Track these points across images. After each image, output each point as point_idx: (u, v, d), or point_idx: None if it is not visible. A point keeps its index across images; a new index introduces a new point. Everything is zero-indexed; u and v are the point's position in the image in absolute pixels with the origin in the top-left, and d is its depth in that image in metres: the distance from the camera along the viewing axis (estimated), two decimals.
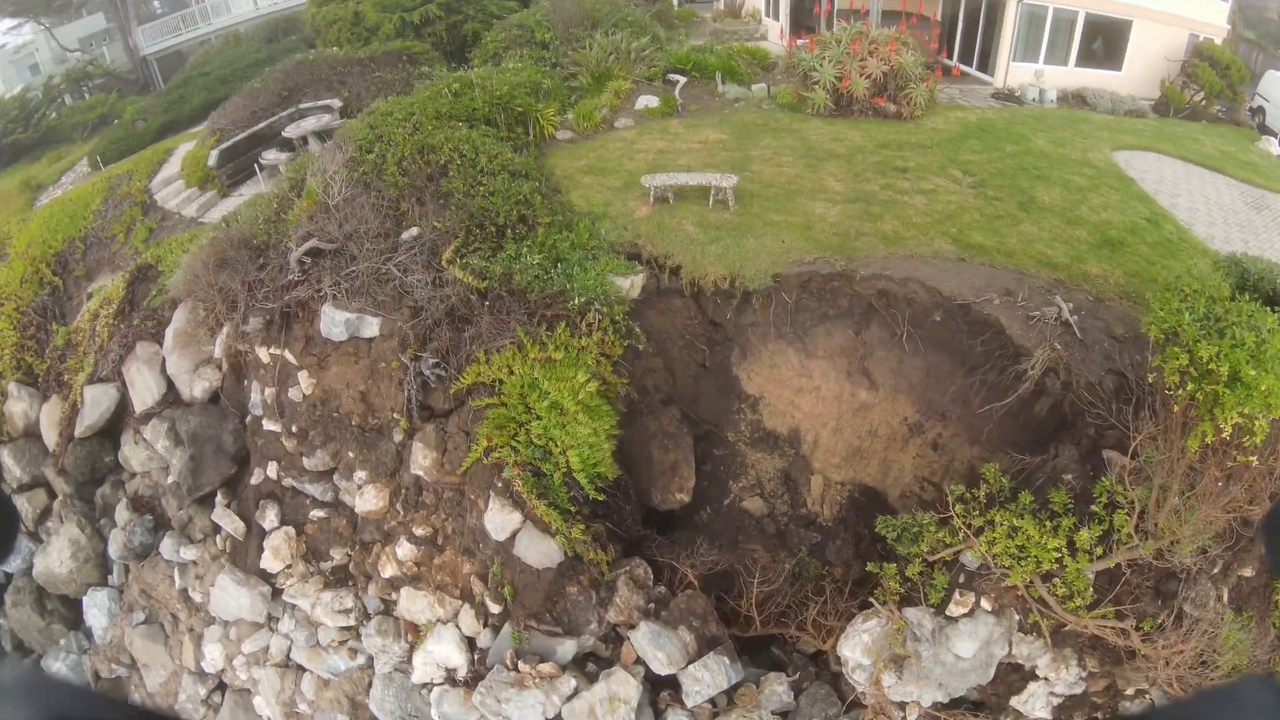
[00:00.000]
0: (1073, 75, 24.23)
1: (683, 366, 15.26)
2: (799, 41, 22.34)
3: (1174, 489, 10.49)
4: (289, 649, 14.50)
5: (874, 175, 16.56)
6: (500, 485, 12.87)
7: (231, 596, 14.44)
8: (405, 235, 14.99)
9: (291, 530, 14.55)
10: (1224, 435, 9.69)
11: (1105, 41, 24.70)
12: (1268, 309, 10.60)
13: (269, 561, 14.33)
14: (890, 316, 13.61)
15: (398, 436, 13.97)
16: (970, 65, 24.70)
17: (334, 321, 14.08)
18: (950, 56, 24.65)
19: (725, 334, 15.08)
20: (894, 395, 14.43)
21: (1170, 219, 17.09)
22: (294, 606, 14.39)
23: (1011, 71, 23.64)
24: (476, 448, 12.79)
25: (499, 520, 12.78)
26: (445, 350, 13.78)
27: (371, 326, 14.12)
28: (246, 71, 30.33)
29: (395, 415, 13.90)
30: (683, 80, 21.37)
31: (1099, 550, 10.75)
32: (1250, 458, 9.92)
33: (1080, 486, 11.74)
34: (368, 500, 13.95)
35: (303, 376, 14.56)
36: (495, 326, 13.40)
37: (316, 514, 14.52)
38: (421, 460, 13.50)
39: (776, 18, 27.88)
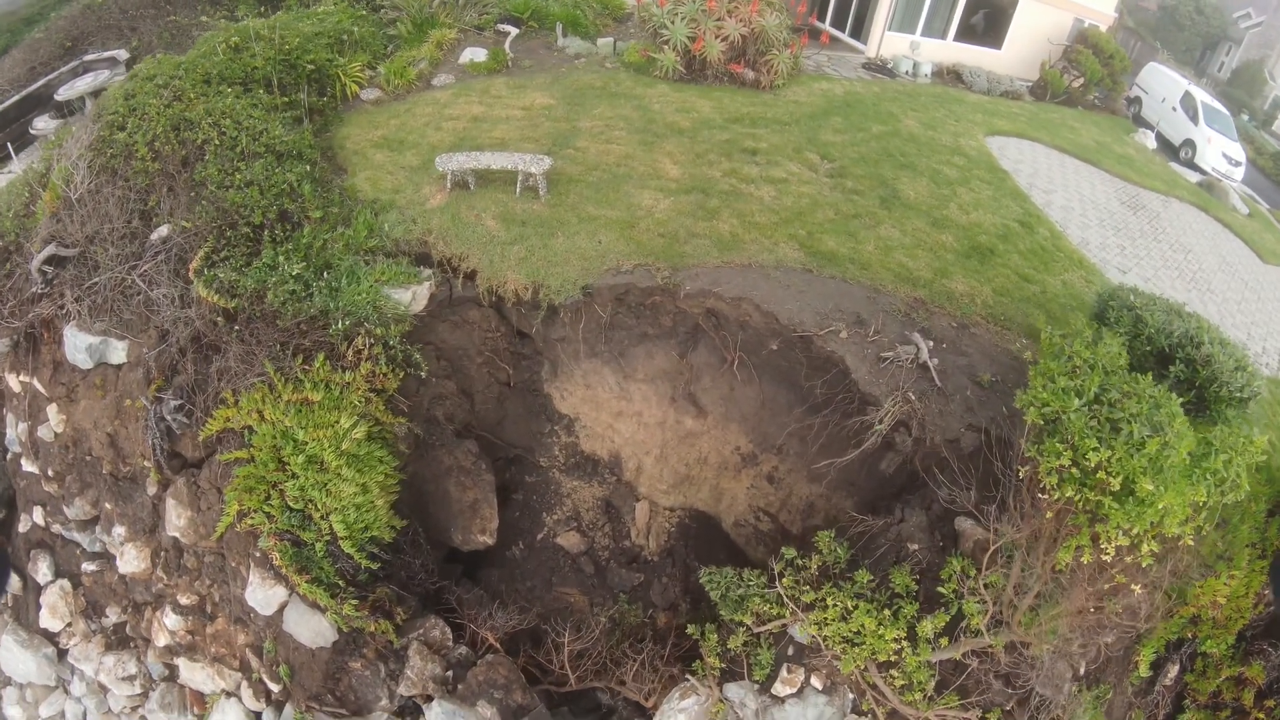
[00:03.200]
0: (950, 50, 21.78)
1: (483, 387, 12.14)
2: None
3: (1034, 589, 8.14)
4: (84, 714, 12.51)
5: (719, 158, 13.56)
6: (260, 555, 10.02)
7: (17, 658, 12.32)
8: (154, 236, 11.42)
9: (67, 584, 12.06)
10: (1105, 557, 7.42)
11: (987, 17, 22.33)
12: (1164, 386, 8.29)
13: (48, 619, 12.09)
14: (720, 339, 10.79)
15: (151, 489, 10.94)
16: (842, 31, 21.91)
17: (77, 346, 10.96)
18: (821, 20, 21.70)
19: (534, 346, 12.00)
20: (724, 424, 11.76)
21: (1044, 221, 14.83)
22: (80, 670, 12.18)
23: (886, 41, 20.98)
24: (228, 511, 9.76)
25: (262, 595, 10.16)
26: (192, 386, 10.46)
27: (118, 351, 11.00)
28: (34, 18, 24.51)
29: (145, 463, 10.72)
30: (514, 31, 17.73)
31: (944, 641, 8.67)
32: (1134, 585, 7.59)
33: (927, 560, 9.53)
34: (129, 560, 11.25)
35: (52, 411, 11.54)
36: (244, 358, 10.10)
37: (89, 566, 11.89)
38: (176, 520, 10.59)
39: None
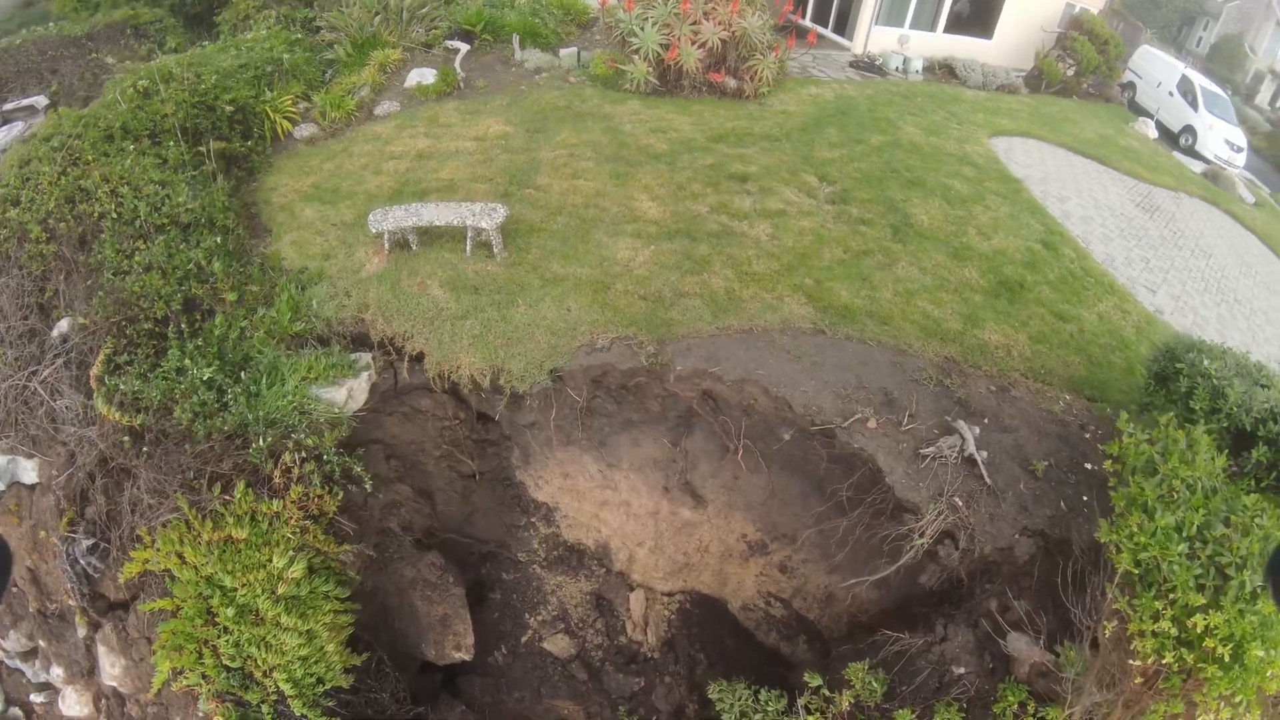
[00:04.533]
0: (940, 42, 19.87)
1: (444, 484, 10.17)
2: None
3: None
4: None
5: (704, 188, 11.56)
6: (203, 715, 8.05)
7: None
8: (54, 334, 9.42)
9: (19, 713, 10.38)
10: None
11: (976, 6, 20.37)
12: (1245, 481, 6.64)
13: None
14: (720, 426, 8.85)
15: (81, 630, 8.97)
16: (826, 27, 19.89)
17: None
18: (804, 17, 19.64)
19: (500, 430, 10.01)
20: (727, 512, 9.89)
21: (1068, 238, 13.02)
22: None
23: (873, 36, 19.03)
24: (159, 670, 7.75)
25: None
26: (105, 519, 8.55)
27: (29, 471, 9.09)
28: None
29: (70, 602, 8.80)
30: (465, 48, 15.55)
31: None
32: None
33: (975, 687, 7.69)
34: (71, 705, 9.52)
35: None
36: (156, 488, 8.08)
37: (37, 698, 10.13)
38: (110, 669, 8.76)
39: None
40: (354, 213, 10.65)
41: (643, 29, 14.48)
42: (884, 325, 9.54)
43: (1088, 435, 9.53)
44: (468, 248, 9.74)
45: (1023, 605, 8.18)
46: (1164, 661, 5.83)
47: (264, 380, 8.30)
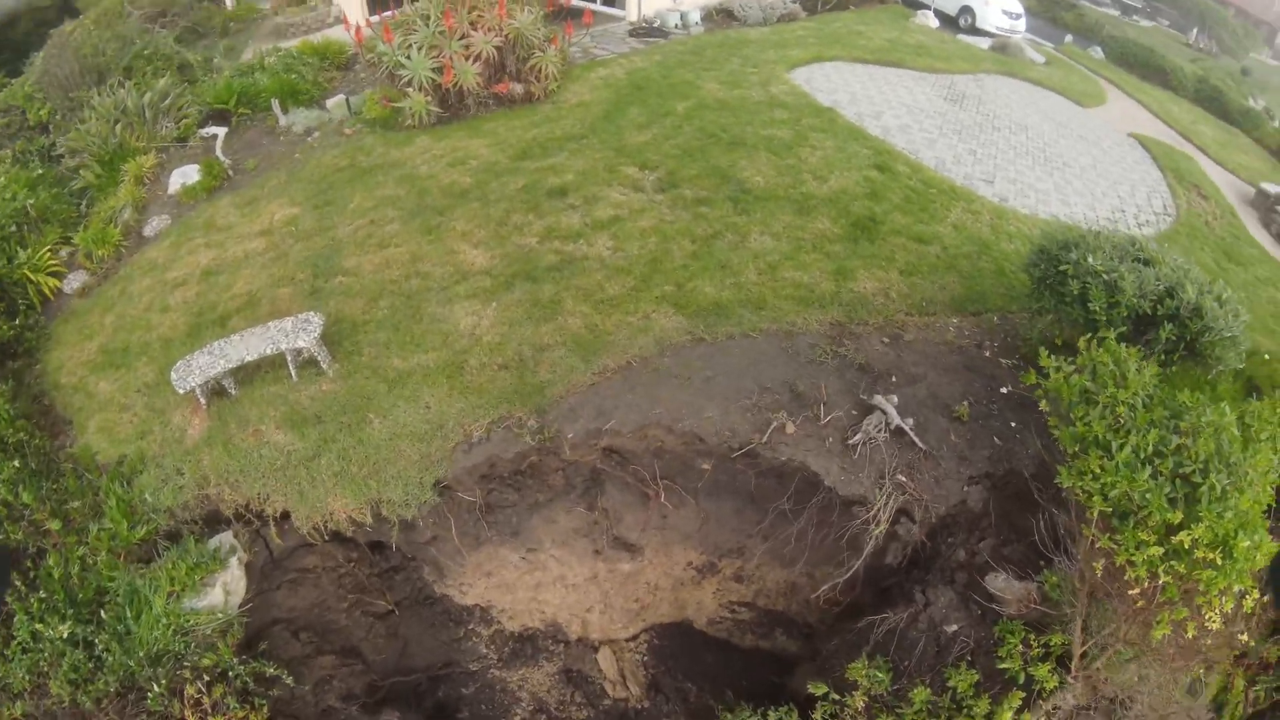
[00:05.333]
0: None
1: (365, 632, 8.85)
2: (374, 21, 15.20)
3: (1115, 646, 6.18)
4: None
5: (526, 216, 10.43)
6: None
7: None
8: None
9: None
10: (1212, 625, 5.87)
11: None
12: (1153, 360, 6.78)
13: None
14: (633, 475, 7.91)
15: None
16: (597, 1, 18.89)
17: None
18: None
19: (401, 554, 8.70)
20: (666, 550, 9.07)
21: (896, 154, 12.77)
22: None
23: (645, 1, 18.19)
24: None
25: None
26: None
27: None
28: None
29: None
30: (222, 132, 13.64)
31: (1025, 717, 6.66)
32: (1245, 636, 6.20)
33: (975, 638, 7.30)
34: None
35: None
36: None
37: None
38: None
39: None
40: (154, 370, 8.93)
41: (409, 57, 13.06)
42: (760, 311, 8.81)
43: (988, 354, 9.18)
44: (292, 372, 8.28)
45: (988, 545, 7.77)
46: (1160, 581, 5.70)
47: (128, 613, 6.78)
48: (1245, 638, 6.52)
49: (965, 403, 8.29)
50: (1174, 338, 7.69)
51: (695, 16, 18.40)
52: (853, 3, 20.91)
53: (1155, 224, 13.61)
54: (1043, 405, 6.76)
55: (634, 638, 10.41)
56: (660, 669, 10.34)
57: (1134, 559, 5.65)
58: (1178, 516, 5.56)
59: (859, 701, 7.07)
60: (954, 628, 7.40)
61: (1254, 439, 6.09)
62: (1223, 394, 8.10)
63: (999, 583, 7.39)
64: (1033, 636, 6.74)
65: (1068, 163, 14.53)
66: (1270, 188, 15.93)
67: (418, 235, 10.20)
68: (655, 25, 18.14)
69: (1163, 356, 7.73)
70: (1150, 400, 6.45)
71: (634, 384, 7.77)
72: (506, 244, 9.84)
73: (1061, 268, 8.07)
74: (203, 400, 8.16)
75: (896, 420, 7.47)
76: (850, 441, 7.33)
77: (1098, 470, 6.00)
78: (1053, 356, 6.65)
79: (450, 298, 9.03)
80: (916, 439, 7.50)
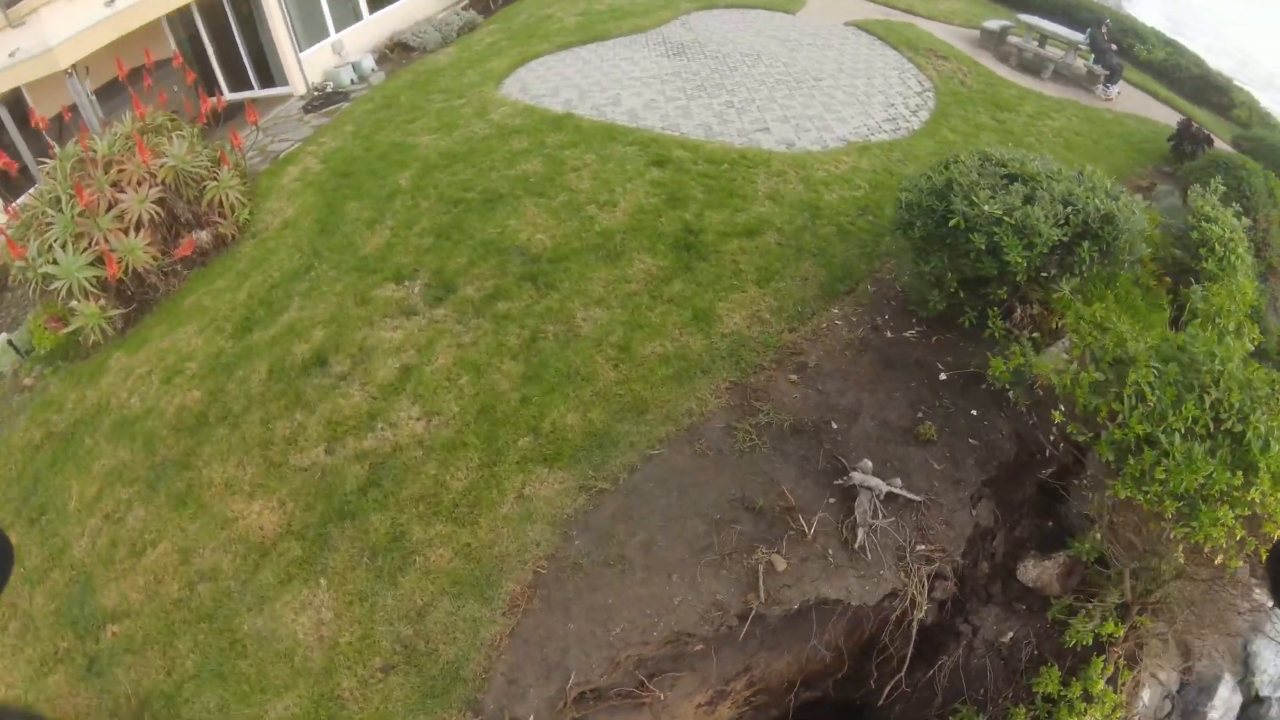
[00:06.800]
0: (375, 27, 16.42)
1: None
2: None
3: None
4: None
5: (292, 417, 7.54)
6: None
7: None
8: None
9: None
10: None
11: None
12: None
13: None
14: (621, 700, 5.66)
15: None
16: (254, 88, 15.42)
17: None
18: (224, 96, 14.79)
19: None
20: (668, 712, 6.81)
21: (663, 139, 11.13)
22: None
23: (308, 65, 15.09)
24: None
25: None
26: None
27: None
28: None
29: None
30: None
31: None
32: None
33: (1034, 630, 6.61)
34: None
35: None
36: None
37: None
38: None
39: None
40: None
41: (55, 261, 9.48)
42: (643, 416, 6.71)
43: (889, 334, 7.71)
44: None
45: (1001, 543, 6.53)
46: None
47: None
48: None
49: (919, 415, 6.73)
50: (1095, 255, 6.57)
51: (369, 63, 15.52)
52: None
53: (924, 103, 12.85)
54: (1015, 399, 5.60)
55: None
56: None
57: (1214, 533, 4.83)
58: (1239, 478, 4.78)
59: None
60: (1009, 635, 6.25)
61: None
62: (1122, 290, 7.21)
63: (1031, 571, 6.49)
64: (1081, 604, 5.97)
65: (818, 77, 13.43)
66: (991, 24, 15.82)
67: (172, 514, 7.06)
68: (330, 90, 15.10)
69: (1080, 278, 6.62)
70: (1163, 360, 5.18)
71: (564, 606, 5.45)
72: (288, 476, 6.97)
73: (952, 222, 6.59)
74: None
75: (885, 489, 5.78)
76: (856, 546, 5.53)
77: (1171, 469, 4.80)
78: (1006, 356, 5.50)
79: (261, 597, 6.12)
80: (911, 495, 5.85)
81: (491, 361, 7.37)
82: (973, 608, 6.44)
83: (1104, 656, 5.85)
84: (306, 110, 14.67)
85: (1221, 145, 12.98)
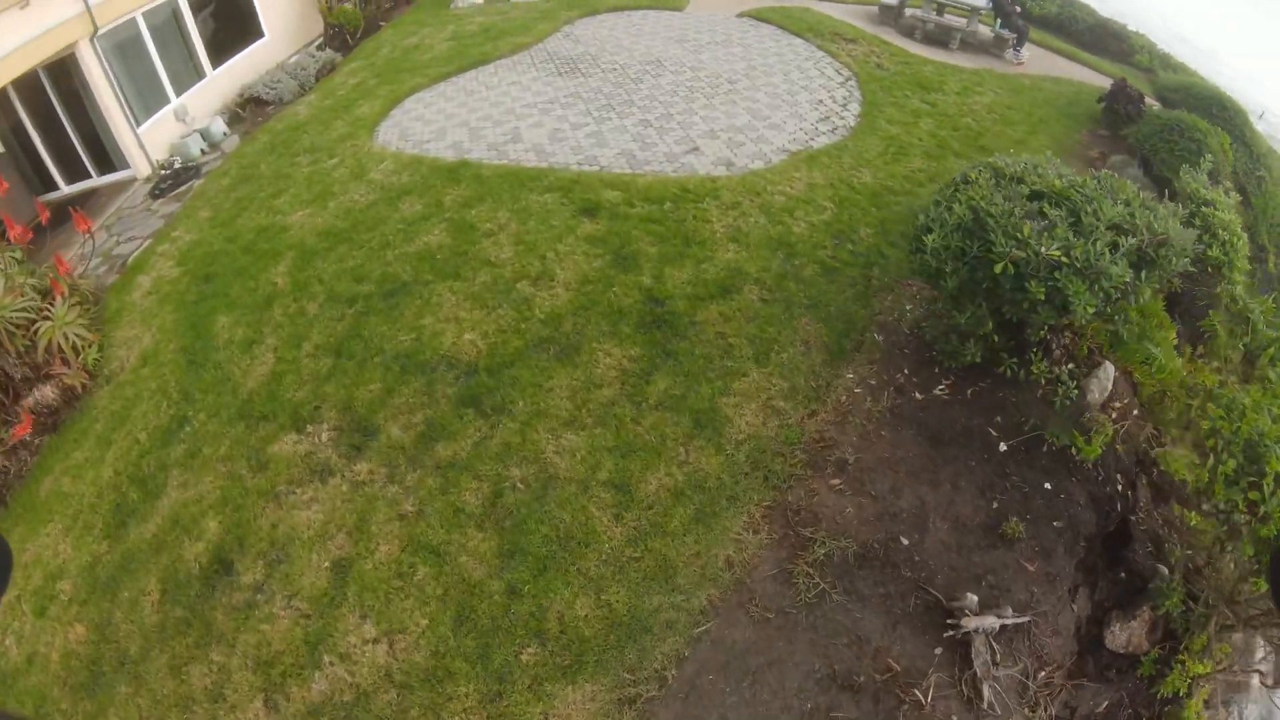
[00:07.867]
0: (220, 82, 13.94)
1: None
2: None
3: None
4: None
5: (208, 661, 5.61)
6: None
7: None
8: None
9: None
10: None
11: (225, 13, 14.29)
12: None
13: None
14: None
15: None
16: (89, 177, 12.72)
17: None
18: (44, 201, 11.98)
19: None
20: None
21: (585, 180, 9.43)
22: None
23: (149, 139, 12.59)
24: None
25: None
26: None
27: None
28: None
29: None
30: None
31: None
32: None
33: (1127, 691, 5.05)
34: None
35: None
36: None
37: None
38: None
39: None
40: None
41: None
42: (672, 579, 5.12)
43: (919, 396, 6.41)
44: None
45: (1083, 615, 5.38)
46: None
47: None
48: None
49: (994, 504, 5.43)
50: (1157, 284, 5.46)
51: (219, 127, 13.15)
52: (382, 18, 16.52)
53: (850, 94, 11.65)
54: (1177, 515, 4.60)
55: None
56: None
57: None
58: None
59: None
60: (1104, 704, 5.11)
61: None
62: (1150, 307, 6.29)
63: (1120, 636, 5.56)
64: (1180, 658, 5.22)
65: (732, 80, 12.02)
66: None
67: None
68: (178, 166, 12.67)
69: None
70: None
71: None
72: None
73: (998, 269, 5.26)
74: None
75: (998, 624, 4.48)
76: (984, 705, 4.21)
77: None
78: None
79: None
80: (1019, 618, 4.58)
81: (451, 538, 5.59)
82: (1075, 701, 5.30)
83: (1194, 699, 5.17)
84: (154, 195, 12.24)
85: (1148, 100, 12.31)
